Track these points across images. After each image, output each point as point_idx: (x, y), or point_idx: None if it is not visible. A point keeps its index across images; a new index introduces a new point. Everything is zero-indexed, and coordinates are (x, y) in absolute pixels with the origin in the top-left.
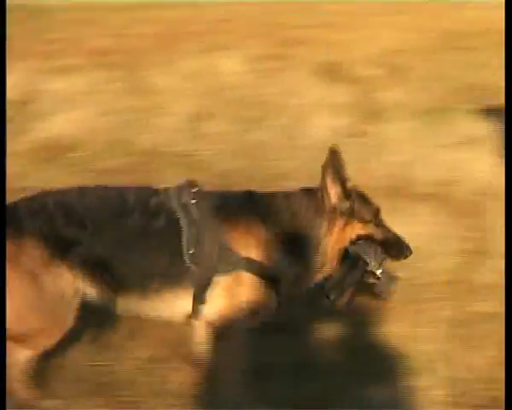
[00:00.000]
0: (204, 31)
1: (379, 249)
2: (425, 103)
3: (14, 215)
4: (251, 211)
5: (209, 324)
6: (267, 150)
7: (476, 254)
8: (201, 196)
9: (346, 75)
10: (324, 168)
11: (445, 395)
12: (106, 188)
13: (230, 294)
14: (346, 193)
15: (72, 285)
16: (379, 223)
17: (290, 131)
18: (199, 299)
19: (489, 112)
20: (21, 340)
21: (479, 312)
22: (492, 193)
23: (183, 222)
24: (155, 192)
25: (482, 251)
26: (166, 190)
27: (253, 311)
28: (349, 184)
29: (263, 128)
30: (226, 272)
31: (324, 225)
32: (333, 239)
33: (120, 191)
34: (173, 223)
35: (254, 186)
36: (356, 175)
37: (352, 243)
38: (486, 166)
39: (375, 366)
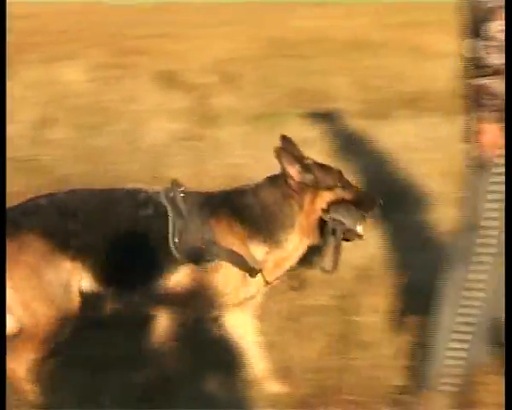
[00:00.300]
0: (46, 41)
1: (352, 208)
2: (256, 108)
3: (10, 216)
4: (230, 209)
5: None
6: (108, 155)
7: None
8: (188, 193)
9: (183, 83)
10: (278, 153)
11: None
12: (94, 189)
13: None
14: (306, 167)
15: (72, 274)
16: (345, 184)
17: (130, 135)
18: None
19: (317, 115)
20: (30, 335)
21: (309, 305)
22: None
23: (171, 212)
24: (144, 191)
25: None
26: (155, 189)
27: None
28: (306, 160)
29: (104, 134)
30: (208, 261)
31: (294, 203)
32: (305, 214)
33: (109, 190)
34: (160, 212)
35: None
36: (193, 176)
37: (326, 211)
38: None
39: (212, 359)
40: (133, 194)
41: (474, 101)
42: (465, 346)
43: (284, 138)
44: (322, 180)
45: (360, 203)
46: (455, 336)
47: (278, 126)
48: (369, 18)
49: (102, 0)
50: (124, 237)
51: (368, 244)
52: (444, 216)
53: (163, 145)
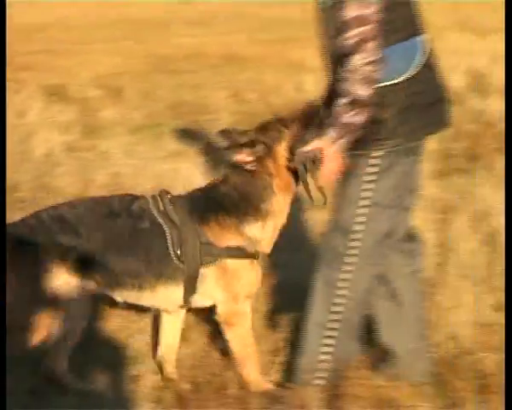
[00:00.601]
0: None
1: (306, 134)
2: (139, 120)
3: (14, 231)
4: (213, 206)
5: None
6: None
7: None
8: (175, 201)
9: (69, 96)
10: (225, 151)
11: (156, 381)
12: (92, 198)
13: (224, 282)
14: (250, 144)
15: (70, 284)
16: (286, 124)
17: (20, 147)
18: (190, 290)
19: (194, 127)
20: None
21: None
22: None
23: (166, 227)
24: (136, 198)
25: None
26: (144, 197)
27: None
28: (244, 138)
29: None
30: (210, 263)
31: (263, 174)
32: (277, 175)
33: (105, 199)
34: (156, 225)
35: None
36: (80, 185)
37: (290, 158)
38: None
39: (96, 357)
40: (127, 205)
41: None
42: (335, 342)
43: (220, 133)
44: (270, 140)
45: (307, 123)
46: (325, 332)
47: (159, 137)
48: (245, 34)
49: None
50: (126, 250)
51: None
52: (319, 219)
53: (52, 156)
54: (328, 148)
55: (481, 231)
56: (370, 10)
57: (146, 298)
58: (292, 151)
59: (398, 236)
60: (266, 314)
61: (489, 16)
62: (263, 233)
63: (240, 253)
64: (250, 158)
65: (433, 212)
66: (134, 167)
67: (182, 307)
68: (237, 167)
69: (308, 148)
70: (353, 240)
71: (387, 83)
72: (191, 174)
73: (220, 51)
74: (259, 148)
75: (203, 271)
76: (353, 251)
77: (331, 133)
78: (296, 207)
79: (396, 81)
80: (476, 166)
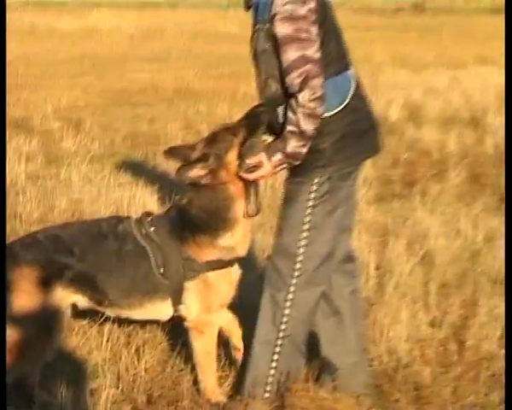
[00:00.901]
0: None
1: (252, 140)
2: (97, 150)
3: (11, 251)
4: (187, 225)
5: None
6: None
7: None
8: (155, 223)
9: (34, 128)
10: (178, 176)
11: (114, 395)
12: (83, 220)
13: (203, 293)
14: (202, 159)
15: (65, 301)
16: (234, 131)
17: None
18: (176, 303)
19: (153, 156)
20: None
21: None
22: None
23: (149, 249)
24: (120, 220)
25: None
26: (128, 219)
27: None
28: (196, 154)
29: None
30: (193, 277)
31: (220, 187)
32: (233, 184)
33: (94, 222)
34: (140, 248)
35: None
36: (43, 210)
37: (243, 160)
38: (146, 200)
39: (58, 371)
40: (113, 227)
41: None
42: (281, 358)
43: (167, 153)
44: (220, 151)
45: (253, 129)
46: (272, 349)
47: (117, 166)
48: (196, 70)
49: None
50: (114, 270)
51: None
52: (267, 241)
53: (17, 184)
54: (269, 166)
55: (417, 252)
56: (312, 49)
57: (136, 314)
58: (241, 157)
59: (339, 257)
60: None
61: (423, 53)
62: (235, 240)
63: (218, 264)
64: (204, 172)
65: (373, 235)
66: (93, 194)
67: (171, 316)
68: (197, 187)
69: (254, 160)
70: (296, 262)
71: (324, 115)
72: (146, 200)
73: (173, 85)
74: (211, 160)
75: (186, 284)
76: (297, 273)
77: (277, 157)
78: None
79: (332, 113)
80: (412, 191)
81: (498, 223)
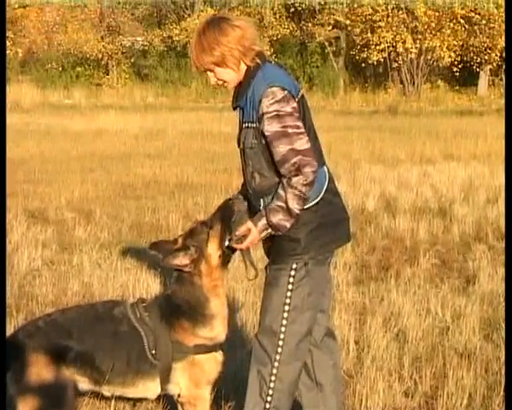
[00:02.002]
0: None
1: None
2: (106, 238)
3: (16, 340)
4: (175, 313)
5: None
6: None
7: None
8: (149, 309)
9: (49, 218)
10: (166, 263)
11: None
12: (79, 305)
13: (190, 372)
14: (185, 247)
15: (71, 379)
16: (211, 224)
17: (7, 261)
18: (165, 382)
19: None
20: None
21: None
22: None
23: (142, 332)
24: (116, 304)
25: None
26: (124, 302)
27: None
28: (177, 246)
29: None
30: (181, 359)
31: (198, 283)
32: (208, 278)
33: (91, 305)
34: (134, 330)
35: None
36: (57, 293)
37: (222, 254)
38: (150, 283)
39: None
40: (109, 310)
41: None
42: None
43: (152, 246)
44: (199, 243)
45: (227, 220)
46: None
47: (124, 252)
48: (195, 165)
49: None
50: (110, 350)
51: None
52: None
53: (33, 268)
54: (256, 231)
55: (392, 329)
56: (301, 142)
57: (129, 392)
58: (221, 247)
59: (319, 334)
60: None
61: (396, 151)
62: (214, 333)
63: (203, 349)
64: (186, 260)
65: (352, 313)
66: (102, 278)
67: (159, 394)
68: (179, 281)
69: (242, 229)
70: (279, 340)
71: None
72: (149, 283)
73: (174, 180)
74: (192, 250)
75: (174, 365)
76: (280, 349)
77: (262, 222)
78: (236, 313)
79: (309, 205)
80: (387, 274)
81: (465, 302)
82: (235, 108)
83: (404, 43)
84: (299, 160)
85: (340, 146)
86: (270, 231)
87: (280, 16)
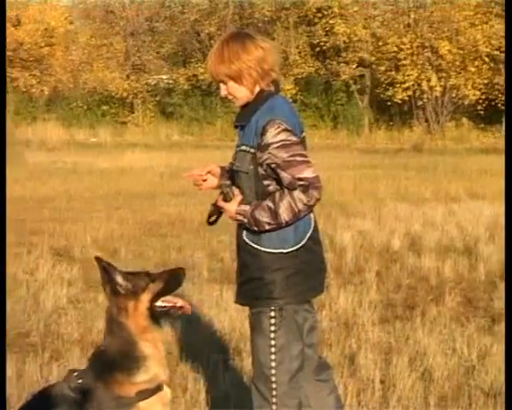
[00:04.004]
0: None
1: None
2: None
3: None
4: (108, 369)
5: None
6: (11, 317)
7: None
8: (82, 374)
9: (74, 256)
10: (104, 267)
11: None
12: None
13: None
14: (125, 276)
15: None
16: (154, 279)
17: (33, 299)
18: None
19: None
20: None
21: None
22: None
23: (82, 400)
24: (53, 385)
25: None
26: (58, 382)
27: None
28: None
29: (11, 298)
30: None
31: (128, 328)
32: (133, 321)
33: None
34: (74, 403)
35: None
36: (82, 332)
37: (153, 307)
38: None
39: None
40: (48, 394)
41: None
42: None
43: (98, 259)
44: (137, 285)
45: (171, 285)
46: None
47: None
48: None
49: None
50: None
51: None
52: None
53: (59, 307)
54: (235, 206)
55: (417, 368)
56: (309, 170)
57: None
58: (151, 302)
59: (310, 368)
60: None
61: (422, 189)
62: (149, 374)
63: (147, 394)
64: (121, 283)
65: (378, 353)
66: None
67: None
68: (110, 329)
69: (235, 192)
70: (272, 383)
71: (280, 250)
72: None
73: (199, 218)
74: (129, 284)
75: None
76: (274, 392)
77: (245, 207)
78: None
79: (288, 250)
80: (413, 313)
81: (491, 341)
82: (236, 127)
83: (428, 81)
84: (307, 183)
85: (365, 184)
86: (246, 220)
87: (305, 54)
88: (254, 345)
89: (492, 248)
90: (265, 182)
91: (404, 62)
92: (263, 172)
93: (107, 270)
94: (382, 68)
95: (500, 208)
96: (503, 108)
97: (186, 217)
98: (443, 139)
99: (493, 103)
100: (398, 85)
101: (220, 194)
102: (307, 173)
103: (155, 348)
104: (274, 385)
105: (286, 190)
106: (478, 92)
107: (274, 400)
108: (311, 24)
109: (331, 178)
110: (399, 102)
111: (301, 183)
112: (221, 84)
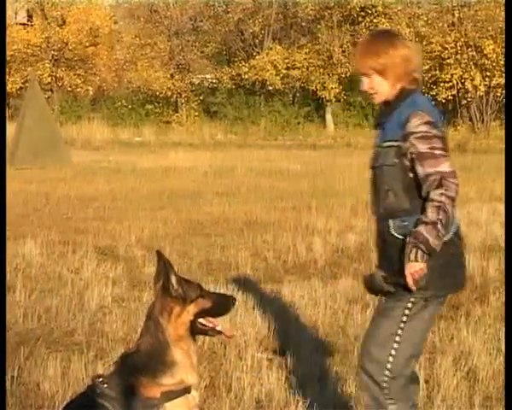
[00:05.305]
0: (12, 221)
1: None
2: None
3: None
4: (135, 371)
5: None
6: (58, 315)
7: None
8: (107, 379)
9: (119, 255)
10: (164, 262)
11: None
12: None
13: None
14: (178, 281)
15: None
16: (204, 295)
17: (78, 298)
18: None
19: (225, 281)
20: None
21: None
22: None
23: (109, 405)
24: (82, 393)
25: None
26: (86, 389)
27: None
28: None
29: (54, 297)
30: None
31: (163, 332)
32: (172, 326)
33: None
34: (102, 408)
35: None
36: (127, 330)
37: (194, 321)
38: None
39: None
40: (79, 403)
41: None
42: None
43: (159, 254)
44: (189, 294)
45: (218, 307)
46: None
47: None
48: (263, 203)
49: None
50: None
51: None
52: None
53: (103, 306)
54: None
55: (462, 368)
56: (446, 164)
57: None
58: (195, 315)
59: (407, 375)
60: None
61: (466, 189)
62: (175, 379)
63: (173, 395)
64: (174, 285)
65: (423, 352)
66: None
67: None
68: (147, 328)
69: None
70: (387, 370)
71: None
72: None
73: (243, 217)
74: (180, 289)
75: None
76: (386, 378)
77: (413, 252)
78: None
79: (446, 238)
80: (457, 313)
81: None
82: (377, 127)
83: (472, 80)
84: (442, 176)
85: None
86: (420, 250)
87: (349, 53)
88: (376, 329)
89: None
90: (410, 174)
91: (448, 61)
92: (407, 164)
93: (165, 266)
94: (426, 67)
95: None
96: None
97: (230, 216)
98: (487, 138)
99: None
100: (442, 84)
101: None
102: (444, 167)
103: (187, 357)
104: (387, 372)
105: (426, 202)
106: None
107: (385, 385)
108: (355, 23)
109: None
110: (443, 101)
111: (437, 176)
112: (364, 78)
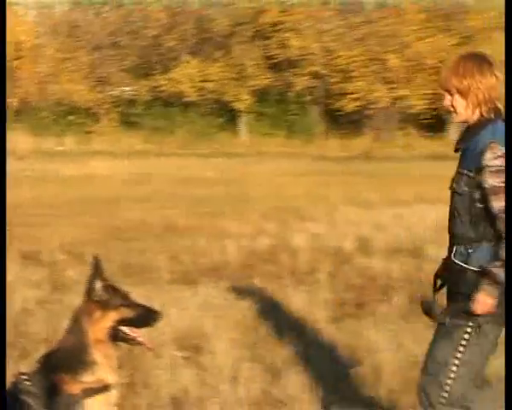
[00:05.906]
0: None
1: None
2: None
3: None
4: (57, 368)
5: None
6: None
7: None
8: (31, 376)
9: (42, 260)
10: (94, 264)
11: None
12: None
13: None
14: (105, 287)
15: None
16: (130, 305)
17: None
18: None
19: (143, 283)
20: None
21: None
22: None
23: (32, 402)
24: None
25: None
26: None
27: None
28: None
29: None
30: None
31: (84, 332)
32: (94, 328)
33: None
34: (24, 404)
35: None
36: (50, 332)
37: (115, 327)
38: None
39: None
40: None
41: None
42: None
43: (94, 259)
44: (112, 301)
45: (141, 319)
46: None
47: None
48: (180, 209)
49: None
50: None
51: None
52: None
53: (27, 308)
54: (486, 298)
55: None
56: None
57: None
58: (116, 326)
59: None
60: None
61: (371, 194)
62: (96, 376)
63: (92, 392)
64: (97, 290)
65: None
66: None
67: None
68: (71, 327)
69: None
70: (444, 392)
71: None
72: None
73: (161, 223)
74: (105, 295)
75: None
76: (444, 399)
77: (483, 288)
78: None
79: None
80: (363, 312)
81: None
82: (456, 151)
83: (377, 92)
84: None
85: (318, 190)
86: (491, 285)
87: (260, 67)
88: (437, 350)
89: (439, 249)
90: (479, 205)
91: (353, 74)
92: (477, 196)
93: (93, 271)
94: (334, 80)
95: (445, 211)
96: (447, 116)
97: (148, 222)
98: (391, 147)
99: (438, 112)
100: (348, 96)
101: None
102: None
103: (107, 358)
104: (444, 394)
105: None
106: (423, 102)
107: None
108: (266, 38)
109: (285, 184)
110: (350, 111)
111: (503, 212)
112: (446, 94)
